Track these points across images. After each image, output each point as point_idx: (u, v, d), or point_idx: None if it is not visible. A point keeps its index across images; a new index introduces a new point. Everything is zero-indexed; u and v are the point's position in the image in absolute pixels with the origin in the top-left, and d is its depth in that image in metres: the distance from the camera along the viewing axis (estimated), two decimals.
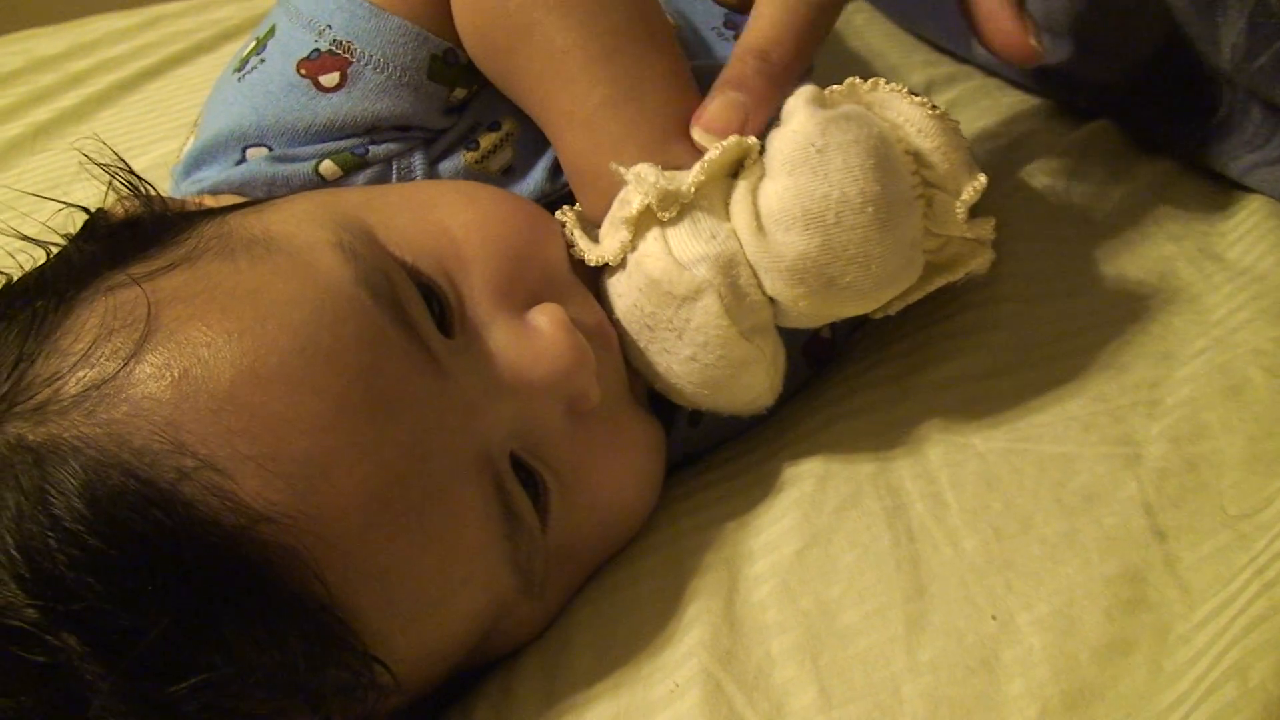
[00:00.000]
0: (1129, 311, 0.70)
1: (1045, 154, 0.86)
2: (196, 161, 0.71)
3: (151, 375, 0.51)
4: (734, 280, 0.59)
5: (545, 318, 0.61)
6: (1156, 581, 0.55)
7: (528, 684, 0.61)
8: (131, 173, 0.66)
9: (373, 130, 0.68)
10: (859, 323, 0.77)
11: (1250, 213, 0.75)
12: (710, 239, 0.59)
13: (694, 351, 0.61)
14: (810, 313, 0.61)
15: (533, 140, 0.71)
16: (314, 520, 0.50)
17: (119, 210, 0.65)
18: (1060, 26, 0.82)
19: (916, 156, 0.61)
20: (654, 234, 0.60)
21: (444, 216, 0.62)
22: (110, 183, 0.66)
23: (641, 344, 0.63)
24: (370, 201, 0.63)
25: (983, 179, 0.61)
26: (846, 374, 0.73)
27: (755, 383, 0.64)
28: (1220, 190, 0.78)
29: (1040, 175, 0.84)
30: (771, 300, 0.61)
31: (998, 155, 0.88)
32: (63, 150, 1.03)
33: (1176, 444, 0.61)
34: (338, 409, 0.52)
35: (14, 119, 1.07)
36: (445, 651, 0.58)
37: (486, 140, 0.71)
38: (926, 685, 0.54)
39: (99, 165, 0.65)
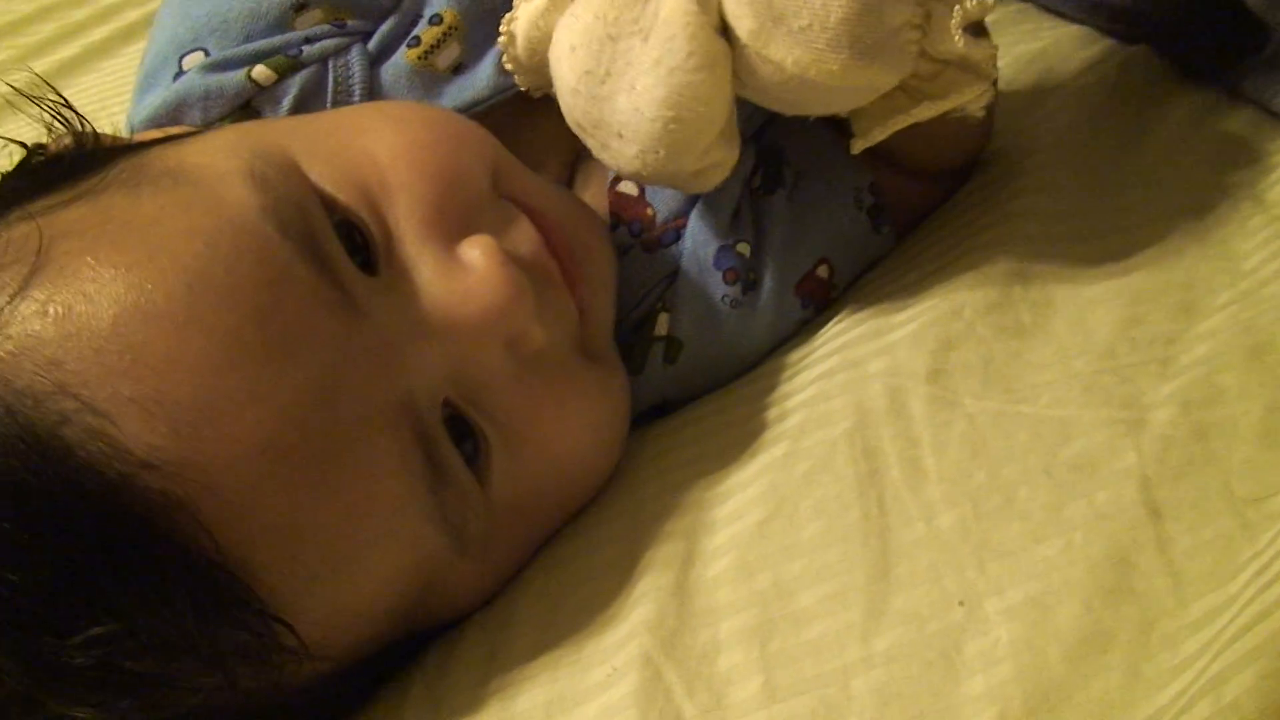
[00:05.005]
0: (1153, 256, 0.63)
1: (1080, 83, 0.78)
2: (141, 88, 0.69)
3: (35, 312, 0.48)
4: None
5: (477, 250, 0.56)
6: (1145, 567, 0.49)
7: (466, 660, 0.56)
8: (67, 106, 0.63)
9: (302, 8, 0.66)
10: (862, 270, 0.71)
11: None
12: None
13: (660, 53, 0.56)
14: (759, 50, 0.55)
15: (480, 33, 0.67)
16: (200, 469, 0.47)
17: (55, 146, 0.62)
18: None
19: None
20: None
21: (371, 142, 0.58)
22: (53, 118, 0.63)
23: (601, 71, 0.57)
24: (296, 130, 0.60)
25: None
26: (840, 321, 0.66)
27: (716, 104, 0.57)
28: (1266, 126, 0.70)
29: (1073, 105, 0.77)
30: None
31: (1031, 83, 0.81)
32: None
33: (1186, 409, 0.54)
34: (228, 349, 0.48)
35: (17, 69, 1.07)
36: (366, 614, 0.54)
37: (428, 35, 0.67)
38: (878, 679, 0.48)
39: (31, 99, 0.63)
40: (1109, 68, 0.78)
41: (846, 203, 0.70)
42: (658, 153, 0.58)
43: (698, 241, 0.68)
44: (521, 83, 0.64)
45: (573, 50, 0.58)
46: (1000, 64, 0.78)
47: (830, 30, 0.53)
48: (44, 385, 0.46)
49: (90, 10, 1.16)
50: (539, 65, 0.62)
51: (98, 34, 1.14)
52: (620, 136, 0.58)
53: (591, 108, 0.59)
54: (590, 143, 0.61)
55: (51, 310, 0.48)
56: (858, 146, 0.61)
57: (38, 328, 0.47)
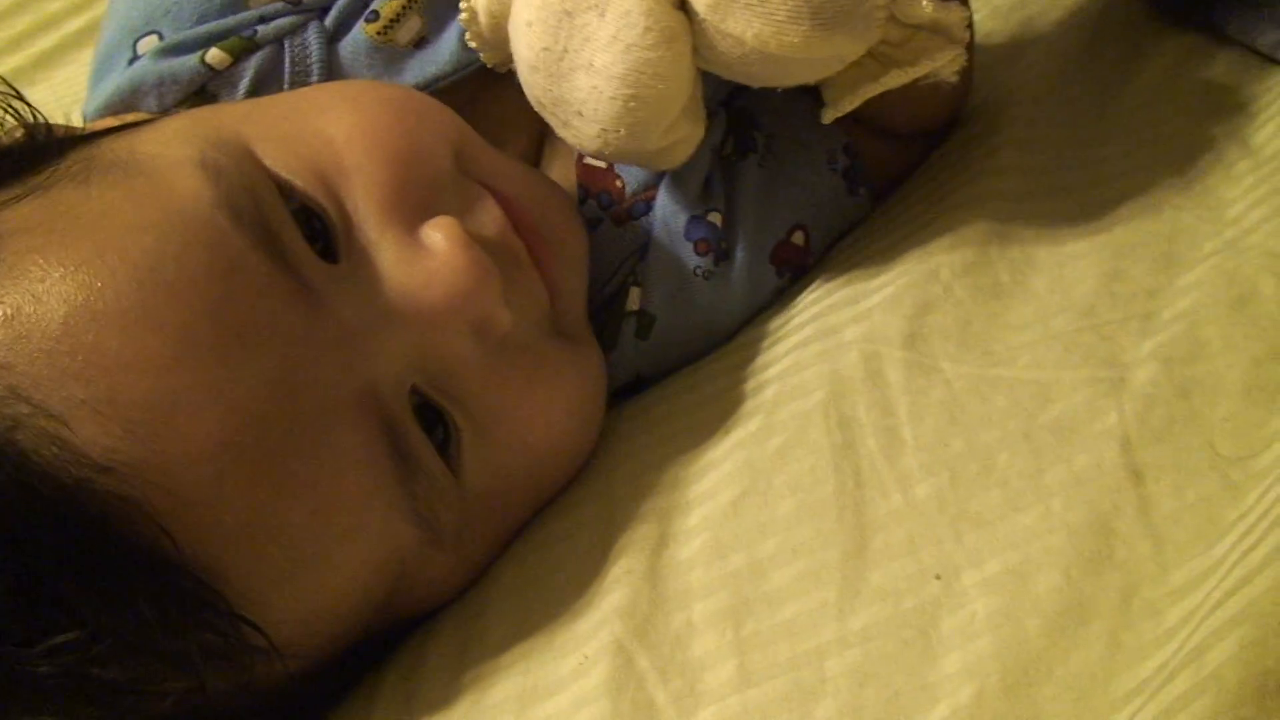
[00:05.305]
0: (1135, 208, 0.61)
1: (1060, 32, 0.76)
2: (96, 75, 0.67)
3: None
4: None
5: (439, 234, 0.54)
6: (1126, 532, 0.47)
7: (440, 652, 0.55)
8: (18, 98, 0.61)
9: None
10: (839, 234, 0.69)
11: None
12: None
13: (617, 29, 0.54)
14: (717, 24, 0.53)
15: (441, 4, 0.65)
16: (158, 470, 0.46)
17: (6, 140, 0.61)
18: None
19: None
20: None
21: (326, 124, 0.56)
22: (4, 111, 0.61)
23: (559, 48, 0.56)
24: (251, 114, 0.58)
25: None
26: (816, 288, 0.64)
27: (676, 81, 0.56)
28: (1253, 67, 0.68)
29: (1054, 56, 0.75)
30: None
31: (1010, 34, 0.79)
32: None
33: (1168, 365, 0.52)
34: (181, 346, 0.47)
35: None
36: (337, 610, 0.52)
37: (387, 8, 0.65)
38: (854, 660, 0.47)
39: None
40: (1089, 15, 0.75)
41: (820, 166, 0.68)
42: (619, 131, 0.56)
43: (668, 213, 0.66)
44: (487, 59, 0.62)
45: (529, 26, 0.56)
46: (978, 16, 0.77)
47: (790, 2, 0.51)
48: None
49: (65, 1, 1.15)
50: (504, 41, 0.60)
51: (73, 24, 1.13)
52: (580, 115, 0.57)
53: (551, 85, 0.57)
54: (551, 120, 0.59)
55: (1, 312, 0.46)
56: (828, 116, 0.59)
57: None
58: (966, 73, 0.61)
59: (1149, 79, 0.70)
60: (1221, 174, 0.61)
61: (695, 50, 0.56)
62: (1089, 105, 0.70)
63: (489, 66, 0.63)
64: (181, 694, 0.47)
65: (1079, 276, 0.58)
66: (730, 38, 0.53)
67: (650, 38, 0.54)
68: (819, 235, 0.68)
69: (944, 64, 0.57)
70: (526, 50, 0.57)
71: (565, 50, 0.56)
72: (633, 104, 0.55)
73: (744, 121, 0.68)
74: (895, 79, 0.57)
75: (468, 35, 0.61)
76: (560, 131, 0.60)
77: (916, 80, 0.57)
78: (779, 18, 0.52)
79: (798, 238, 0.67)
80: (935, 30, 0.56)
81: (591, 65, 0.55)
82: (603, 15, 0.54)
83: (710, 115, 0.65)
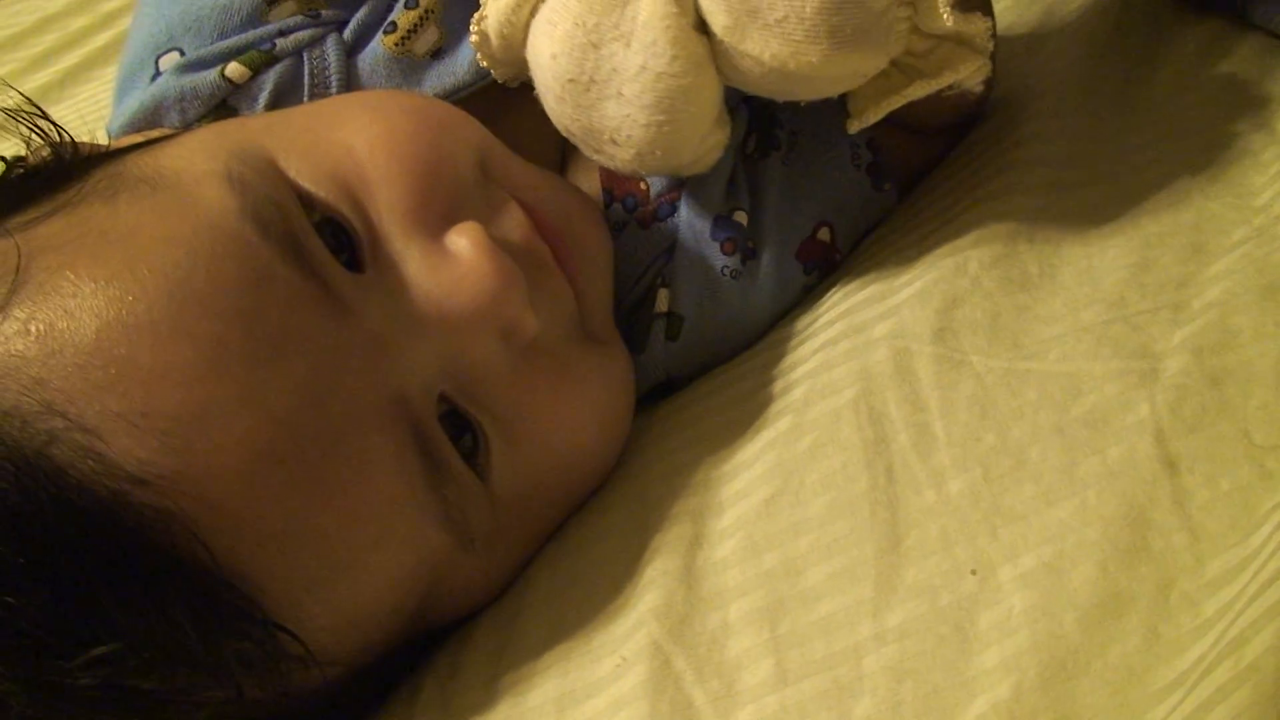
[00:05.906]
0: (1162, 198, 0.61)
1: (1082, 21, 0.76)
2: (120, 92, 0.68)
3: (17, 331, 0.47)
4: None
5: (464, 240, 0.54)
6: (1162, 523, 0.47)
7: (476, 658, 0.55)
8: (44, 118, 0.62)
9: (275, 0, 0.65)
10: (865, 230, 0.69)
11: None
12: None
13: (645, 59, 0.54)
14: (735, 45, 0.53)
15: (458, 14, 0.65)
16: (193, 480, 0.46)
17: (33, 160, 0.61)
18: None
19: None
20: None
21: (348, 135, 0.56)
22: (31, 130, 0.62)
23: (585, 79, 0.56)
24: (272, 126, 0.58)
25: None
26: (844, 286, 0.64)
27: (706, 101, 0.56)
28: (1277, 53, 0.67)
29: (1077, 46, 0.74)
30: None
31: (1032, 25, 0.78)
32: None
33: (1199, 355, 0.52)
34: (213, 357, 0.47)
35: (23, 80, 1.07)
36: (372, 617, 0.53)
37: (404, 19, 0.65)
38: (891, 656, 0.47)
39: (6, 113, 0.61)
40: (1112, 3, 0.75)
41: (844, 162, 0.68)
42: (655, 153, 0.57)
43: (693, 213, 0.66)
44: (499, 76, 0.62)
45: (554, 58, 0.56)
46: (999, 6, 0.77)
47: (807, 21, 0.51)
48: (30, 405, 0.45)
49: (90, 17, 1.16)
50: (516, 59, 0.60)
51: (98, 40, 1.14)
52: (614, 142, 0.57)
53: (579, 115, 0.57)
54: (582, 146, 0.60)
55: (33, 328, 0.47)
56: (853, 127, 0.59)
57: (20, 347, 0.46)
58: (989, 82, 0.61)
59: (1173, 67, 0.69)
60: (1249, 162, 0.61)
61: (718, 68, 0.56)
62: (1113, 95, 0.69)
63: (502, 82, 0.63)
64: (220, 703, 0.48)
65: (1108, 267, 0.58)
66: (749, 58, 0.54)
67: (678, 65, 0.54)
68: (845, 231, 0.68)
69: (968, 75, 0.56)
70: (552, 81, 0.57)
71: (592, 81, 0.56)
72: (667, 128, 0.56)
73: (767, 119, 0.68)
74: (919, 90, 0.57)
75: (479, 56, 0.61)
76: (593, 156, 0.60)
77: (941, 91, 0.57)
78: (796, 38, 0.52)
79: (824, 234, 0.67)
80: (959, 41, 0.55)
81: (621, 95, 0.55)
82: (628, 45, 0.54)
83: (732, 112, 0.65)
